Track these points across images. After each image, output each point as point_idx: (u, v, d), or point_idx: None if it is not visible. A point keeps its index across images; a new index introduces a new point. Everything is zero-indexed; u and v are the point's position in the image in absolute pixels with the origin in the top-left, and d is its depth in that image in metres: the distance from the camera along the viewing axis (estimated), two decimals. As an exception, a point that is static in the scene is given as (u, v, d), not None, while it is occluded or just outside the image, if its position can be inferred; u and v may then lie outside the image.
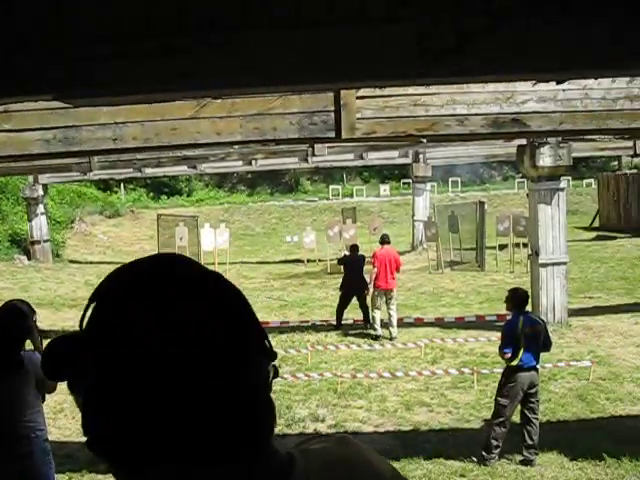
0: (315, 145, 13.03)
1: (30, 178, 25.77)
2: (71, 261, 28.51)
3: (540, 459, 7.70)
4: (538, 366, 7.90)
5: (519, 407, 7.76)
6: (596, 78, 4.60)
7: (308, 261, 25.52)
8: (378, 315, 13.87)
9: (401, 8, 2.03)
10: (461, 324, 13.78)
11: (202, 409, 0.96)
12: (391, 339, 13.52)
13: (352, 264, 15.27)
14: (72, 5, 2.04)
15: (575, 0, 2.02)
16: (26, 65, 2.07)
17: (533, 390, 7.68)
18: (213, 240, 23.19)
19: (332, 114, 6.06)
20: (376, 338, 13.54)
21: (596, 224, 33.14)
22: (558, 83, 4.13)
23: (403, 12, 2.03)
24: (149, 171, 24.42)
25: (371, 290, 14.22)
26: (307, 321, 15.32)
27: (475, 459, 7.71)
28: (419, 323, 14.58)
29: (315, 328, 14.54)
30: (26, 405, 5.29)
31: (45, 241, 26.76)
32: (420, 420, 9.31)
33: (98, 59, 2.05)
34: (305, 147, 15.23)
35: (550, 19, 2.03)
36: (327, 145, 13.64)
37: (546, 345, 7.86)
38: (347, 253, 16.82)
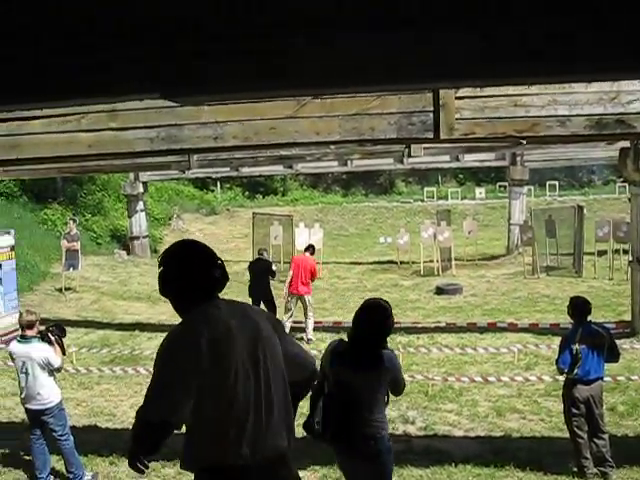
0: (411, 146, 12.95)
1: (131, 176, 26.48)
2: (168, 257, 29.14)
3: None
4: (603, 378, 7.65)
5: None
6: None
7: (401, 263, 25.42)
8: (287, 321, 14.38)
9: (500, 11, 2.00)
10: (556, 331, 13.46)
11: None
12: (307, 342, 14.12)
13: (256, 270, 15.71)
14: (182, 8, 2.10)
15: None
16: (136, 64, 2.13)
17: (595, 402, 7.43)
18: (307, 239, 23.34)
19: (431, 114, 6.03)
20: None
21: None
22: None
23: (498, 14, 1.99)
24: (245, 170, 24.76)
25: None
26: (399, 323, 15.23)
27: (575, 469, 7.55)
28: (512, 328, 14.34)
29: (407, 330, 14.47)
30: (377, 404, 5.28)
31: (144, 237, 27.44)
32: (512, 427, 9.15)
33: (206, 58, 2.10)
34: (401, 148, 15.17)
35: None
36: (424, 146, 13.55)
37: (612, 356, 7.58)
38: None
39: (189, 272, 3.59)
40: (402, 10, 1.99)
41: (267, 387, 3.45)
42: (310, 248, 15.22)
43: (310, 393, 4.87)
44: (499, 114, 6.02)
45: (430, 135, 6.09)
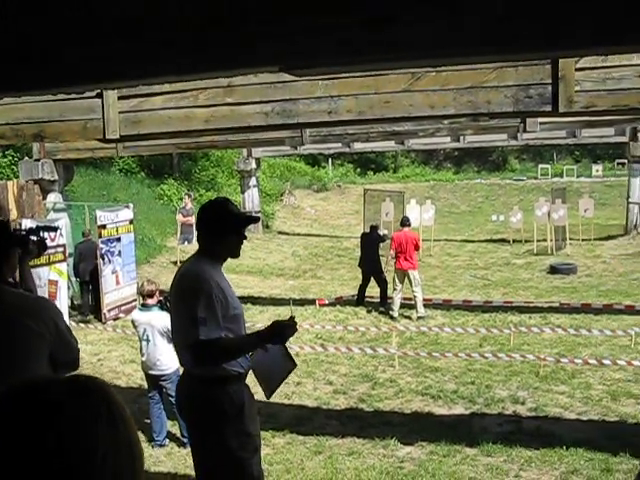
0: (527, 120, 12.61)
1: (244, 152, 26.92)
2: (280, 232, 29.60)
3: None
4: None
5: None
6: None
7: (514, 241, 24.99)
8: (396, 297, 14.28)
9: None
10: (678, 314, 12.94)
11: None
12: (417, 319, 13.93)
13: (368, 243, 15.98)
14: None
15: None
16: (253, 38, 2.15)
17: None
18: (418, 216, 23.23)
19: (549, 87, 5.84)
20: (392, 319, 14.07)
21: None
22: None
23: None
24: (357, 146, 24.77)
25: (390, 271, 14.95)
26: (511, 302, 15.01)
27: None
28: (630, 310, 13.87)
29: (519, 309, 14.23)
30: None
31: (256, 212, 27.86)
32: (627, 412, 8.83)
33: (320, 31, 2.10)
34: (516, 123, 14.82)
35: None
36: (540, 120, 13.16)
37: None
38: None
39: None
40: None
41: None
42: (406, 221, 15.12)
43: None
44: (622, 85, 5.76)
45: (548, 108, 5.90)
